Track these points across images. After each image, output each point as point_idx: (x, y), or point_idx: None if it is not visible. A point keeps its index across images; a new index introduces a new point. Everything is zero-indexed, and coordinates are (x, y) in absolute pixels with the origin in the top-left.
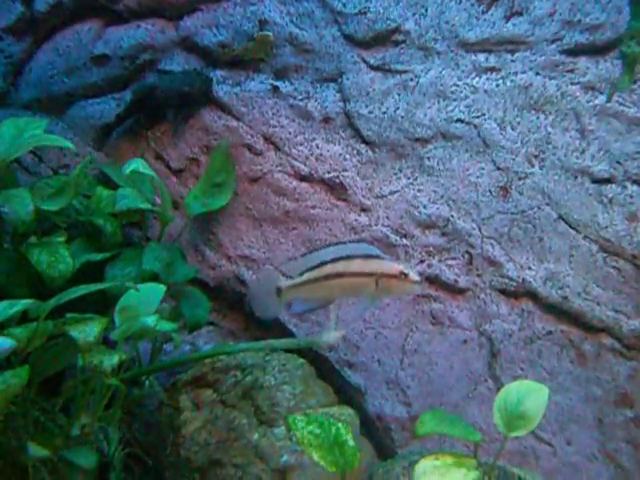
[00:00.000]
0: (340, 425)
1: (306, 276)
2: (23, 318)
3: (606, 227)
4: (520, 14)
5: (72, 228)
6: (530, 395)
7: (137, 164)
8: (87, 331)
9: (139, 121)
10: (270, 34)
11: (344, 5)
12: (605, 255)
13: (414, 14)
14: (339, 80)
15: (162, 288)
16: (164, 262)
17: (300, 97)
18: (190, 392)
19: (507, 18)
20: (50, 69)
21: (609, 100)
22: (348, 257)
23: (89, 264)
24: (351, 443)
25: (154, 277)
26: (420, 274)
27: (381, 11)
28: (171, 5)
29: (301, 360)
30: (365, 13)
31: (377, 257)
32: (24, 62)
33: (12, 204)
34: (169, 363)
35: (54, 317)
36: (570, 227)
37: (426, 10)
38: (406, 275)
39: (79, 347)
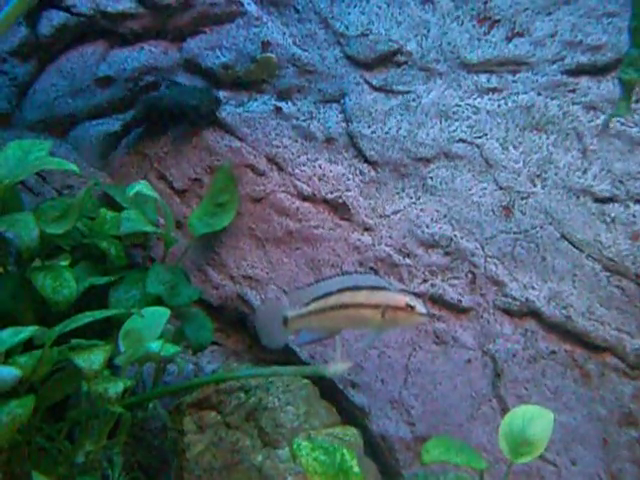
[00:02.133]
0: (345, 451)
1: (312, 306)
2: (27, 343)
3: (609, 246)
4: (521, 35)
5: (76, 250)
6: (535, 420)
7: (141, 186)
8: (92, 359)
9: (143, 133)
10: (273, 56)
11: (346, 27)
12: (609, 274)
13: (416, 35)
14: (342, 101)
15: (166, 312)
16: (168, 285)
17: (303, 118)
18: (194, 414)
19: (508, 39)
20: (54, 91)
21: (606, 126)
22: (355, 288)
23: (93, 287)
24: (356, 469)
25: (158, 300)
26: (423, 294)
27: (383, 33)
28: (175, 28)
29: (305, 381)
30: (367, 35)
31: (384, 288)
32: (28, 84)
33: (17, 229)
34: (174, 388)
35: (58, 341)
36: (573, 246)
37: (428, 32)
38: (412, 307)
39: (84, 375)
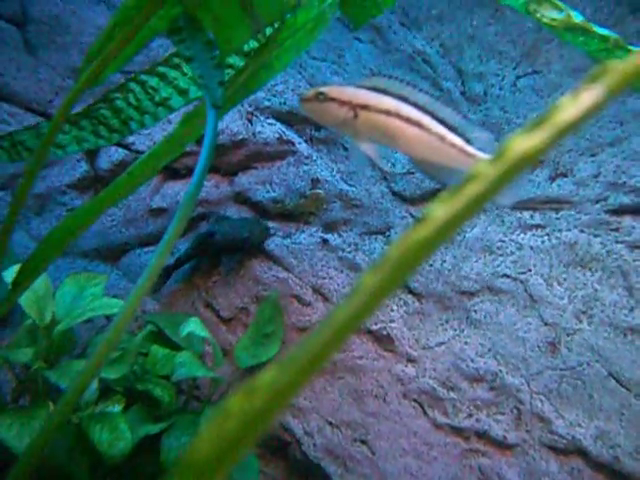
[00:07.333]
0: None
1: None
2: None
3: None
4: (565, 176)
5: (129, 392)
6: None
7: (192, 326)
8: None
9: (194, 265)
10: (322, 192)
11: (393, 165)
12: None
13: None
14: (387, 233)
15: None
16: None
17: (348, 249)
18: None
19: (552, 179)
20: (109, 220)
21: None
22: None
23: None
24: None
25: None
26: (468, 429)
27: None
28: (227, 164)
29: None
30: (413, 173)
31: None
32: None
33: (71, 379)
34: None
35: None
36: (620, 385)
37: None
38: None
39: None
